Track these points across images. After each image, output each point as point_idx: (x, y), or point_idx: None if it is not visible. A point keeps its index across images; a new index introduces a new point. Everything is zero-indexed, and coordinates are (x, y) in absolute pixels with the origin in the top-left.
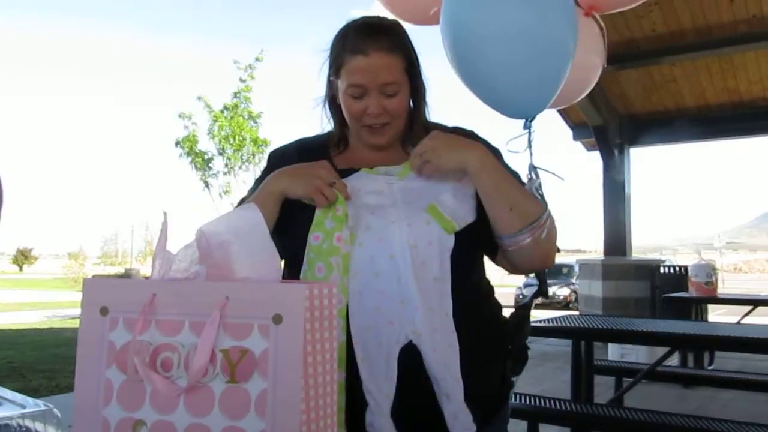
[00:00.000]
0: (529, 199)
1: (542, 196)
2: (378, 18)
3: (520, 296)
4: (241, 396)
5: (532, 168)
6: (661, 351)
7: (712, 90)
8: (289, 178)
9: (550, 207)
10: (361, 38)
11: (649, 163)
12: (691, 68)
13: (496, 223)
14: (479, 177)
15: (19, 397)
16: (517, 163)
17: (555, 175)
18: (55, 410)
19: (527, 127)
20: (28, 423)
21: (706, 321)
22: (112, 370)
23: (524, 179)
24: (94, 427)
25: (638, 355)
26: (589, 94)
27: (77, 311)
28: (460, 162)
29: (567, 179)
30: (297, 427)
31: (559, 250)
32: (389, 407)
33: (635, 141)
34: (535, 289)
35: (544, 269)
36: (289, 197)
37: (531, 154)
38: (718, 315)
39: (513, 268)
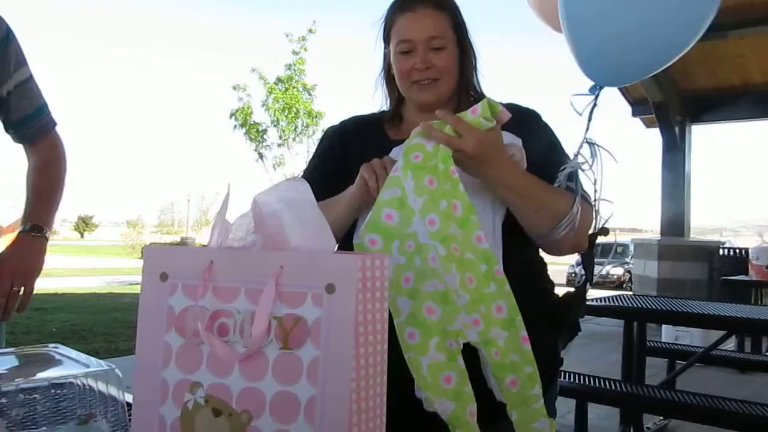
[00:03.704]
0: (557, 196)
1: (595, 179)
2: None
3: (572, 275)
4: (293, 362)
5: (586, 143)
6: (716, 335)
7: None
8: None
9: (597, 190)
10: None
11: (711, 141)
12: (759, 43)
13: (523, 225)
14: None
15: (83, 356)
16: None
17: (610, 154)
18: (117, 371)
19: (593, 91)
20: (90, 382)
21: (766, 306)
22: (171, 333)
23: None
24: (154, 388)
25: (692, 338)
26: None
27: (135, 278)
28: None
29: (624, 158)
30: (347, 395)
31: (607, 232)
32: None
33: (697, 118)
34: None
35: (577, 252)
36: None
37: (587, 128)
38: None
39: (546, 251)
